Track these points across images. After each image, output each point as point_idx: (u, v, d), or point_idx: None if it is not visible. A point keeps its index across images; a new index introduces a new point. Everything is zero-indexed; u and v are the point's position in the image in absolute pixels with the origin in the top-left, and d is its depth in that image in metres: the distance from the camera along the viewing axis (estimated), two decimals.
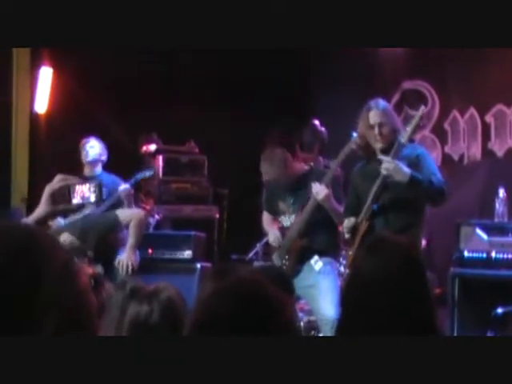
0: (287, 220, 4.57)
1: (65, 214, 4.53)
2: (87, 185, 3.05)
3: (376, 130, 4.05)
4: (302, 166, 4.69)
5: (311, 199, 4.38)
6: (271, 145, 4.72)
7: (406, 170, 3.89)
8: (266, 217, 4.76)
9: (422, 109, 4.05)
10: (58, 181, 2.76)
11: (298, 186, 4.51)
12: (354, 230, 4.10)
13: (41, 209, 2.69)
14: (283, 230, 4.58)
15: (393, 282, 1.82)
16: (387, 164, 3.88)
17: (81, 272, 1.73)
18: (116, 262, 4.81)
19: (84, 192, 3.04)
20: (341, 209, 4.41)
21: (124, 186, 5.05)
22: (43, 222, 3.53)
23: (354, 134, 4.33)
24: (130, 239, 4.92)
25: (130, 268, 4.85)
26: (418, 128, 4.09)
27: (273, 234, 4.59)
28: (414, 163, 3.99)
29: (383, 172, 3.91)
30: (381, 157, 3.95)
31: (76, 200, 2.97)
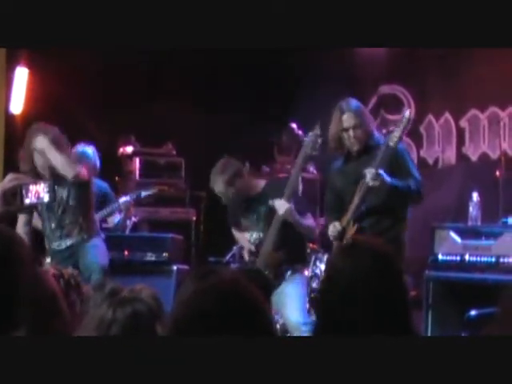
0: (250, 236, 4.47)
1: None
2: (41, 184, 3.00)
3: (351, 133, 4.04)
4: (258, 183, 4.55)
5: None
6: (228, 156, 4.55)
7: (388, 180, 3.92)
8: (233, 231, 4.68)
9: (409, 112, 4.05)
10: (9, 180, 2.70)
11: (259, 203, 4.40)
12: (340, 233, 4.05)
13: None
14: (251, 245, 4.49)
15: (366, 283, 1.85)
16: (373, 179, 3.86)
17: (50, 276, 1.73)
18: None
19: (39, 192, 2.99)
20: (307, 221, 4.37)
21: (125, 199, 5.38)
22: None
23: (306, 139, 4.28)
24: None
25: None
26: (406, 131, 4.07)
27: (241, 239, 4.55)
28: (394, 158, 3.99)
29: (369, 184, 3.88)
30: (366, 170, 3.90)
31: (29, 200, 2.92)
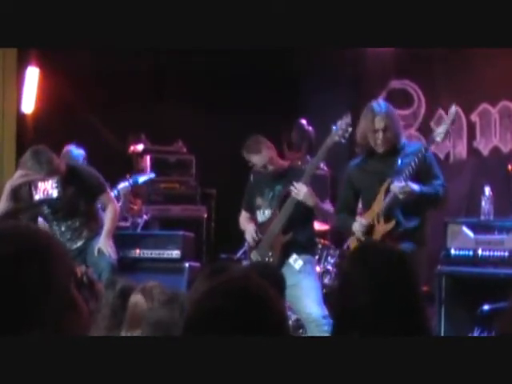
0: (262, 215, 4.57)
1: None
2: (49, 181, 3.05)
3: (380, 135, 4.08)
4: (284, 162, 4.74)
5: (292, 195, 4.39)
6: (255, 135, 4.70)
7: (417, 189, 3.99)
8: (243, 215, 4.77)
9: (455, 109, 4.13)
10: (18, 177, 2.73)
11: (278, 181, 4.53)
12: (368, 229, 4.11)
13: (2, 206, 2.65)
14: (258, 226, 4.59)
15: (379, 286, 1.84)
16: (402, 188, 3.96)
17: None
18: (96, 251, 4.74)
19: (47, 189, 3.03)
20: (326, 206, 4.44)
21: (124, 185, 5.41)
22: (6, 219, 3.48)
23: (334, 127, 4.36)
24: (107, 225, 4.83)
25: (111, 254, 4.76)
26: (451, 126, 4.18)
27: (248, 232, 4.59)
28: (423, 162, 4.06)
29: (399, 196, 3.97)
30: (395, 183, 3.98)
31: (38, 196, 2.96)
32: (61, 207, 4.64)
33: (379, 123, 4.08)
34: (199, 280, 2.42)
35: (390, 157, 4.11)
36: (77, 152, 5.49)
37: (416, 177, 4.06)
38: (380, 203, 4.07)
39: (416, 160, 4.01)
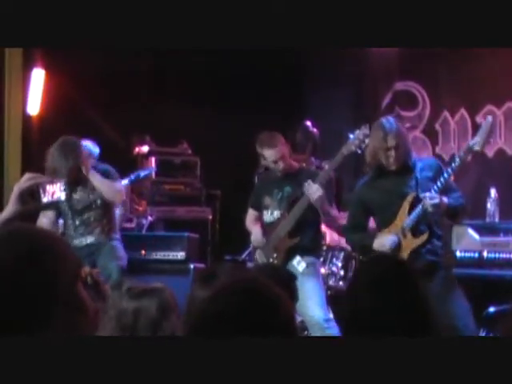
0: (269, 215, 4.56)
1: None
2: (57, 183, 3.10)
3: (393, 153, 3.99)
4: (295, 163, 4.71)
5: (303, 198, 4.38)
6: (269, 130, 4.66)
7: (446, 202, 3.93)
8: (250, 214, 4.75)
9: (491, 118, 4.10)
10: (26, 180, 2.75)
11: (288, 183, 4.52)
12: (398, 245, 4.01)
13: (10, 209, 2.67)
14: (265, 226, 4.59)
15: (386, 291, 1.87)
16: (435, 200, 3.88)
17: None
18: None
19: (55, 191, 3.07)
20: (332, 211, 4.44)
21: (125, 181, 5.42)
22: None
23: (351, 136, 4.34)
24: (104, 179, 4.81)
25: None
26: (490, 136, 4.12)
27: (254, 235, 4.59)
28: (438, 173, 4.01)
29: (429, 209, 3.89)
30: (426, 196, 3.90)
31: (46, 199, 3.00)
32: (79, 201, 4.80)
33: (391, 141, 3.98)
34: (195, 289, 2.42)
35: (403, 173, 4.04)
36: (93, 148, 5.51)
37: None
38: (403, 217, 3.98)
39: (450, 171, 3.95)
